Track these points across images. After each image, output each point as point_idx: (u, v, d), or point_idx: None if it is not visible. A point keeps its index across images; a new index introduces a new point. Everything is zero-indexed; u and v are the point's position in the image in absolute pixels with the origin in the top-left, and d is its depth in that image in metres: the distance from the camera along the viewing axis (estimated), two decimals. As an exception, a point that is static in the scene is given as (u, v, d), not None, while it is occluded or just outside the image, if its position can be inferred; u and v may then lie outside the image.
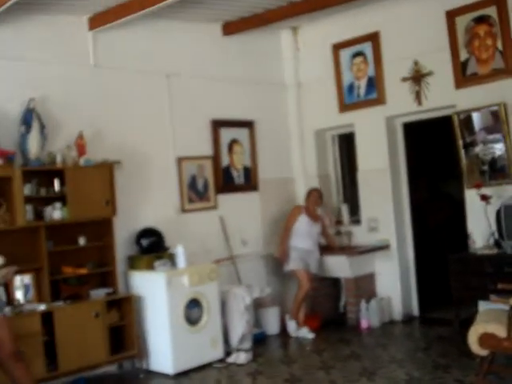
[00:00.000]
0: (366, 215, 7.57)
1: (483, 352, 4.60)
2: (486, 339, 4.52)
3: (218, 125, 7.25)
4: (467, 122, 6.56)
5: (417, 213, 7.71)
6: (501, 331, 4.45)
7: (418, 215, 7.83)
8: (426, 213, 8.59)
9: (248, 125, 7.59)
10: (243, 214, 7.40)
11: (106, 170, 5.92)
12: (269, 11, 6.94)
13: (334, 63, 7.70)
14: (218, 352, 6.21)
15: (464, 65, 6.56)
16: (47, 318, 5.38)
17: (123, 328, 5.96)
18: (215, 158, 7.21)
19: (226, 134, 7.35)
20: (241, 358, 6.18)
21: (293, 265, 7.11)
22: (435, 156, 8.74)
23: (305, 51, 8.05)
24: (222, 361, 6.18)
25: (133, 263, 6.24)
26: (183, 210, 6.84)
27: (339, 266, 7.25)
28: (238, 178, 7.47)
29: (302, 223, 7.13)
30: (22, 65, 5.72)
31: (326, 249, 7.38)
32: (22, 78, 5.71)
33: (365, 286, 7.36)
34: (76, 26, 6.16)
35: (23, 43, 5.78)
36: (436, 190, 9.26)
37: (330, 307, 7.60)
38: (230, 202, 7.27)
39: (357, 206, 7.78)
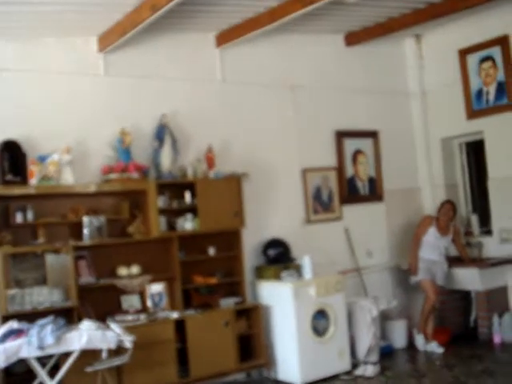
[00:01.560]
0: (497, 225, 7.26)
1: None
2: None
3: (341, 135, 7.24)
4: None
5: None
6: None
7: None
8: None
9: (372, 135, 7.52)
10: (368, 224, 7.33)
11: (235, 182, 6.07)
12: (392, 19, 6.86)
13: (460, 69, 7.47)
14: (345, 364, 6.17)
15: None
16: (179, 325, 5.58)
17: (251, 337, 6.06)
18: (339, 168, 7.20)
19: (350, 145, 7.33)
20: (368, 370, 6.10)
21: (419, 276, 6.94)
22: None
23: (429, 58, 7.87)
24: (348, 373, 6.13)
25: (260, 273, 6.34)
26: (308, 221, 6.87)
27: (469, 279, 6.99)
28: (363, 188, 7.41)
29: (431, 235, 6.95)
30: (154, 82, 6.01)
31: (455, 261, 7.15)
32: (154, 94, 6.00)
33: (497, 299, 7.04)
34: (203, 43, 6.40)
35: (155, 61, 6.08)
36: None
37: (459, 321, 7.35)
38: (354, 213, 7.23)
39: (486, 217, 7.48)
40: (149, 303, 5.67)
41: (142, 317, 5.48)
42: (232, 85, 6.47)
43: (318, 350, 5.99)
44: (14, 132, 5.22)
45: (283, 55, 6.88)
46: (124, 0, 5.03)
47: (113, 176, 5.52)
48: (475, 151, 7.86)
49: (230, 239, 6.13)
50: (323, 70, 7.17)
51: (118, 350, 4.87)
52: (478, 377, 5.71)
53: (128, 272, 5.58)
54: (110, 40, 5.65)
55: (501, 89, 7.14)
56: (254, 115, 6.59)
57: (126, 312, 5.55)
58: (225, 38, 6.38)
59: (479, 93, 7.36)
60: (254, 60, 6.66)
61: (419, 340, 6.94)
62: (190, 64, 6.30)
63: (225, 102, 6.42)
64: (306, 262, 6.19)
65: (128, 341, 4.83)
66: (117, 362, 4.88)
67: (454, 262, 7.11)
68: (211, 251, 6.01)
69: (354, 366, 6.25)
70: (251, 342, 6.08)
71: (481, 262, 7.05)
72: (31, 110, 5.41)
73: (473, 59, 7.39)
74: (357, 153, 7.39)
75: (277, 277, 6.17)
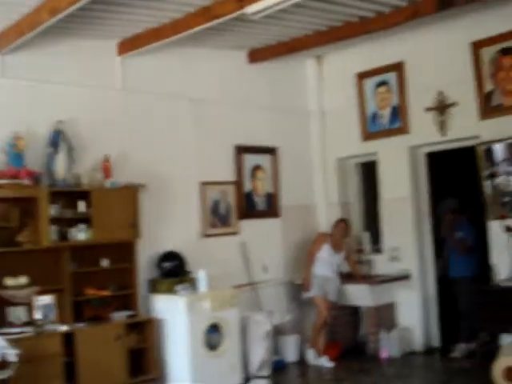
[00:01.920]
0: (387, 244, 7.54)
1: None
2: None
3: (241, 151, 7.30)
4: (489, 153, 6.56)
5: (439, 243, 7.65)
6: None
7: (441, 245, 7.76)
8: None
9: (271, 151, 7.63)
10: (265, 240, 7.41)
11: (131, 192, 5.97)
12: (294, 39, 7.01)
13: (357, 92, 7.75)
14: (236, 378, 6.18)
15: (488, 96, 6.57)
16: (69, 339, 5.39)
17: (143, 351, 5.95)
18: (238, 183, 7.25)
19: (250, 160, 7.40)
20: (259, 384, 6.15)
21: (312, 292, 7.07)
22: (459, 186, 8.66)
23: (329, 80, 8.11)
24: (242, 387, 6.14)
25: (154, 286, 6.25)
26: (205, 235, 6.86)
27: (360, 295, 7.20)
28: (261, 204, 7.49)
29: (325, 252, 7.10)
30: (51, 87, 5.82)
31: (347, 277, 7.34)
32: (51, 100, 5.81)
33: (385, 315, 7.29)
34: (105, 50, 6.28)
35: (54, 65, 5.90)
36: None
37: (349, 336, 7.54)
38: (251, 228, 7.28)
39: (378, 235, 7.75)
40: (37, 315, 5.42)
41: (29, 329, 5.25)
42: (132, 94, 6.38)
43: (210, 364, 5.96)
44: None
45: (186, 68, 6.86)
46: (23, 0, 4.87)
47: (2, 181, 5.27)
48: (369, 172, 8.14)
49: (124, 251, 6.00)
50: (225, 85, 7.21)
51: (2, 364, 4.65)
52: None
53: (15, 282, 5.33)
54: (7, 40, 5.44)
55: (395, 113, 7.44)
56: (153, 126, 6.52)
57: (12, 324, 5.31)
58: (127, 46, 6.29)
59: (374, 116, 7.65)
60: (156, 71, 6.61)
61: (310, 354, 7.06)
62: (90, 70, 6.15)
63: (125, 111, 6.32)
64: (201, 276, 6.17)
65: (12, 354, 4.61)
66: (0, 375, 4.65)
67: (345, 278, 7.30)
68: (104, 263, 5.87)
69: (246, 380, 6.27)
70: (143, 356, 5.96)
71: (371, 279, 7.28)
72: None
73: (369, 83, 7.68)
74: (256, 168, 7.47)
75: (171, 290, 6.10)
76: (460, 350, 6.80)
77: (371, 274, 7.52)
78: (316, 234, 7.57)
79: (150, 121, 6.51)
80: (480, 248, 6.84)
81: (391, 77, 7.45)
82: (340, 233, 7.22)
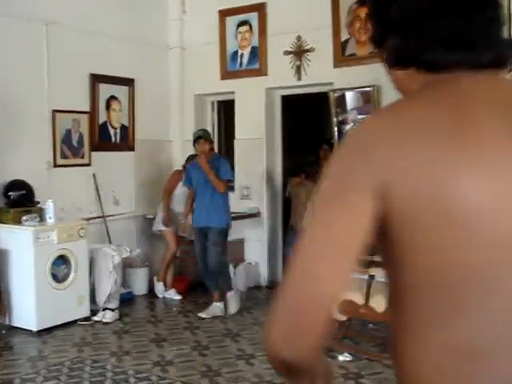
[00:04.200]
0: (239, 183, 7.72)
1: (342, 318, 4.90)
2: (345, 306, 4.81)
3: (96, 79, 7.05)
4: (341, 100, 6.84)
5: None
6: (359, 299, 4.76)
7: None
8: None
9: (128, 82, 7.45)
10: (118, 173, 7.31)
11: (-25, 116, 5.62)
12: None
13: (219, 29, 7.72)
14: (84, 310, 6.15)
15: (344, 44, 6.81)
16: None
17: (-15, 282, 5.75)
18: (92, 113, 7.03)
19: (105, 90, 7.18)
20: (107, 316, 6.17)
21: (162, 226, 7.11)
22: (312, 130, 9.02)
23: (192, 14, 8.00)
24: (87, 319, 6.13)
25: (-1, 216, 6.01)
26: (55, 165, 6.63)
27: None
28: (115, 136, 7.34)
29: (180, 189, 7.14)
30: None
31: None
32: None
33: (234, 251, 7.50)
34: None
35: None
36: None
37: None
38: (104, 160, 7.14)
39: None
40: None
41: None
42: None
43: (56, 297, 5.87)
44: None
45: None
46: None
47: None
48: (227, 111, 8.23)
49: (-34, 178, 5.69)
50: (81, 9, 6.86)
51: None
52: (211, 322, 6.12)
53: None
54: None
55: (254, 53, 7.52)
56: (4, 46, 6.10)
57: None
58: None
59: (234, 55, 7.68)
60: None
61: (159, 287, 7.16)
62: None
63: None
64: (49, 207, 6.00)
65: None
66: None
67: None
68: None
69: (94, 312, 6.25)
70: (-16, 288, 5.77)
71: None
72: None
73: (231, 21, 7.66)
74: (111, 99, 7.28)
75: (17, 221, 5.88)
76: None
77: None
78: (170, 170, 7.58)
79: (1, 41, 6.08)
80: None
81: (253, 17, 7.48)
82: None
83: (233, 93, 7.73)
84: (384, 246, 1.11)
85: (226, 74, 7.73)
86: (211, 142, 6.54)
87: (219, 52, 7.74)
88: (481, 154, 1.04)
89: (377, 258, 2.48)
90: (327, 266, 1.06)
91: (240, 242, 7.62)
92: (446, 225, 1.03)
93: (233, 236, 7.43)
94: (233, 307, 6.45)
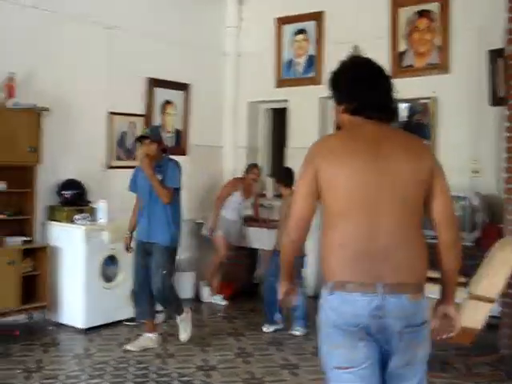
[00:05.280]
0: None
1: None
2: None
3: (153, 84, 7.16)
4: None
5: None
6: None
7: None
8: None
9: (184, 87, 7.53)
10: (169, 176, 7.36)
11: (34, 115, 5.75)
12: (217, -24, 6.89)
13: (276, 37, 7.73)
14: (131, 310, 6.19)
15: (401, 55, 6.74)
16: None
17: (36, 278, 5.86)
18: (147, 117, 7.13)
19: (161, 95, 7.28)
20: (153, 318, 6.20)
21: (215, 232, 7.14)
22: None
23: (248, 22, 8.04)
24: (133, 320, 6.18)
25: (53, 214, 6.13)
26: (109, 166, 6.75)
27: (259, 238, 7.35)
28: (169, 140, 7.41)
29: (235, 197, 7.16)
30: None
31: (249, 220, 7.46)
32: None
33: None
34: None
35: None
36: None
37: (245, 277, 7.72)
38: (157, 164, 7.20)
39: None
40: None
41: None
42: (41, 12, 6.02)
43: (105, 296, 5.95)
44: None
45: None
46: None
47: None
48: (279, 119, 8.22)
49: (23, 175, 5.81)
50: (142, 14, 7.00)
51: None
52: (255, 329, 6.07)
53: None
54: None
55: (310, 62, 7.50)
56: (63, 49, 6.25)
57: None
58: (41, -40, 5.96)
59: (290, 63, 7.68)
60: (71, -9, 6.32)
61: (205, 292, 7.19)
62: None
63: (32, 29, 5.98)
64: (101, 207, 6.10)
65: None
66: None
67: (247, 221, 7.43)
68: (1, 185, 5.67)
69: (140, 313, 6.30)
70: (36, 284, 5.88)
71: (270, 223, 7.44)
72: None
73: (289, 29, 7.67)
74: (166, 103, 7.37)
75: (70, 219, 6.00)
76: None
77: (270, 218, 7.68)
78: (221, 176, 7.61)
79: (61, 43, 6.23)
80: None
81: (310, 26, 7.48)
82: (252, 178, 7.28)
83: (286, 101, 7.72)
84: (319, 191, 2.38)
85: (281, 82, 7.74)
86: (160, 142, 5.43)
87: (275, 60, 7.75)
88: (349, 160, 2.32)
89: (432, 275, 2.43)
90: (298, 199, 2.43)
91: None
92: (333, 186, 2.33)
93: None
94: (184, 333, 5.58)
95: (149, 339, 5.46)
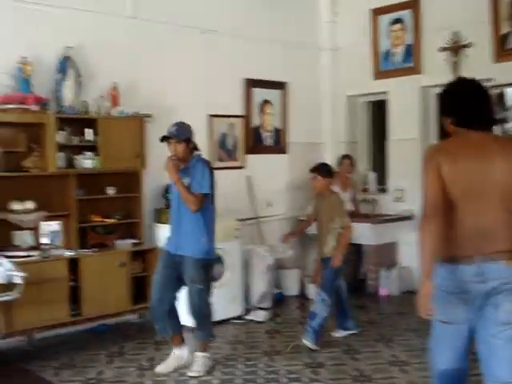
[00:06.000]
0: (392, 185, 7.56)
1: None
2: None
3: (251, 84, 7.23)
4: (501, 97, 6.47)
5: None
6: None
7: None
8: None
9: (281, 86, 7.56)
10: (270, 175, 7.44)
11: (138, 122, 5.96)
12: (309, -28, 6.86)
13: (371, 29, 7.60)
14: (237, 309, 6.31)
15: (504, 38, 6.44)
16: (74, 264, 5.50)
17: (146, 279, 6.06)
18: (246, 117, 7.21)
19: (259, 95, 7.35)
20: (259, 315, 6.28)
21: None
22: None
23: (343, 15, 7.96)
24: (240, 317, 6.28)
25: (159, 216, 6.32)
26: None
27: (362, 233, 7.24)
28: (268, 139, 7.47)
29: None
30: (60, 12, 5.72)
31: (351, 215, 7.37)
32: (60, 25, 5.72)
33: (386, 254, 7.38)
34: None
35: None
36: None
37: (350, 273, 7.62)
38: (258, 163, 7.30)
39: (384, 175, 7.76)
40: (43, 240, 5.50)
41: (35, 254, 5.35)
42: (142, 22, 6.25)
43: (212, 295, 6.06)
44: None
45: (198, -2, 6.74)
46: None
47: (10, 106, 5.25)
48: (378, 111, 8.08)
49: (130, 180, 6.05)
50: (237, 16, 7.09)
51: (9, 286, 4.76)
52: (362, 326, 5.99)
53: (22, 207, 5.39)
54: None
55: (408, 52, 7.33)
56: (163, 56, 6.44)
57: (18, 248, 5.40)
58: (138, -28, 6.18)
59: (387, 54, 7.53)
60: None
61: (311, 289, 7.17)
62: (100, -3, 6.04)
63: (134, 39, 6.22)
64: (206, 208, 6.19)
65: (18, 276, 4.72)
66: (5, 297, 4.77)
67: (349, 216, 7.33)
68: (111, 191, 5.92)
69: (247, 311, 6.40)
70: (146, 285, 6.08)
71: (374, 218, 7.34)
72: None
73: (384, 20, 7.53)
74: (265, 103, 7.43)
75: (176, 221, 6.16)
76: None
77: (375, 213, 7.57)
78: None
79: (160, 50, 6.42)
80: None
81: (406, 14, 7.30)
82: (345, 169, 7.23)
83: (386, 93, 7.58)
84: (444, 185, 2.85)
85: (379, 74, 7.60)
86: (188, 141, 4.69)
87: (372, 52, 7.62)
88: (462, 162, 2.87)
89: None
90: (429, 190, 2.87)
91: (392, 246, 7.45)
92: (455, 179, 2.85)
93: (385, 239, 7.30)
94: (198, 368, 4.78)
95: (178, 358, 4.90)
